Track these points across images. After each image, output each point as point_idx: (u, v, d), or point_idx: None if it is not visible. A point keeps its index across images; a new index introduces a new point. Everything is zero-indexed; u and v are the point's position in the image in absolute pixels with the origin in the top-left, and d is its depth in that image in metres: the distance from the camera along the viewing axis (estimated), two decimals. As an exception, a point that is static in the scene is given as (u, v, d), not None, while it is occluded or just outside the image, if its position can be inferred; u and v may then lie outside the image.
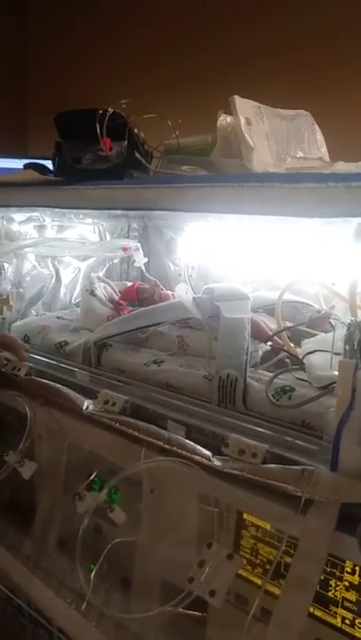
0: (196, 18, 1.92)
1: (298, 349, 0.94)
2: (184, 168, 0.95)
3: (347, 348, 0.65)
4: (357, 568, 0.64)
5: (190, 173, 0.93)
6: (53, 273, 1.42)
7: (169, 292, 1.27)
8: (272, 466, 0.69)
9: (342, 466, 0.63)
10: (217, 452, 0.74)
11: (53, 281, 1.43)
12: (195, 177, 0.90)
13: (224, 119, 0.93)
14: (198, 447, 0.76)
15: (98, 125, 0.93)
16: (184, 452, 0.75)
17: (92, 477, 0.88)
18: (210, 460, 0.73)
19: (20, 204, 1.15)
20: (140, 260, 1.36)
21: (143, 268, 1.40)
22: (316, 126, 1.06)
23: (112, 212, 1.15)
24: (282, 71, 1.64)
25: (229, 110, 0.92)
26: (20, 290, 1.35)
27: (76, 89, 2.37)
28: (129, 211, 1.12)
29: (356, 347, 0.64)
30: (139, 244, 1.37)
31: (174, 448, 0.77)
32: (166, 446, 0.77)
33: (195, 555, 0.72)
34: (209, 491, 0.74)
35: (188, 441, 0.77)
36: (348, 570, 0.65)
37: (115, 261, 1.49)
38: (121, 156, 0.98)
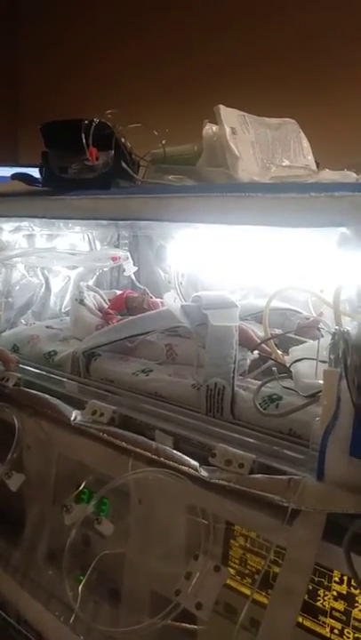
0: (183, 27, 1.93)
1: (286, 357, 0.94)
2: (170, 177, 0.95)
3: (331, 356, 0.65)
4: (345, 578, 0.64)
5: (176, 183, 0.93)
6: (43, 282, 1.42)
7: (158, 300, 1.26)
8: (259, 476, 0.69)
9: (328, 475, 0.63)
10: (205, 462, 0.74)
11: (43, 290, 1.42)
12: (179, 187, 0.90)
13: (210, 128, 0.94)
14: (186, 458, 0.75)
15: (84, 136, 0.93)
16: (172, 463, 0.75)
17: (80, 489, 0.88)
18: (197, 470, 0.73)
19: (8, 214, 1.15)
20: (129, 269, 1.36)
21: (133, 276, 1.40)
22: (302, 134, 1.06)
23: (100, 221, 1.15)
24: (269, 79, 1.65)
25: (215, 119, 0.93)
26: (10, 299, 1.34)
27: (67, 96, 2.38)
28: (116, 221, 1.12)
29: (340, 355, 0.64)
30: (128, 254, 1.37)
31: (162, 459, 0.76)
32: (154, 457, 0.77)
33: (184, 566, 0.71)
34: (196, 501, 0.73)
35: (175, 451, 0.77)
36: (336, 579, 0.65)
37: (105, 269, 1.49)
38: (108, 165, 0.97)
